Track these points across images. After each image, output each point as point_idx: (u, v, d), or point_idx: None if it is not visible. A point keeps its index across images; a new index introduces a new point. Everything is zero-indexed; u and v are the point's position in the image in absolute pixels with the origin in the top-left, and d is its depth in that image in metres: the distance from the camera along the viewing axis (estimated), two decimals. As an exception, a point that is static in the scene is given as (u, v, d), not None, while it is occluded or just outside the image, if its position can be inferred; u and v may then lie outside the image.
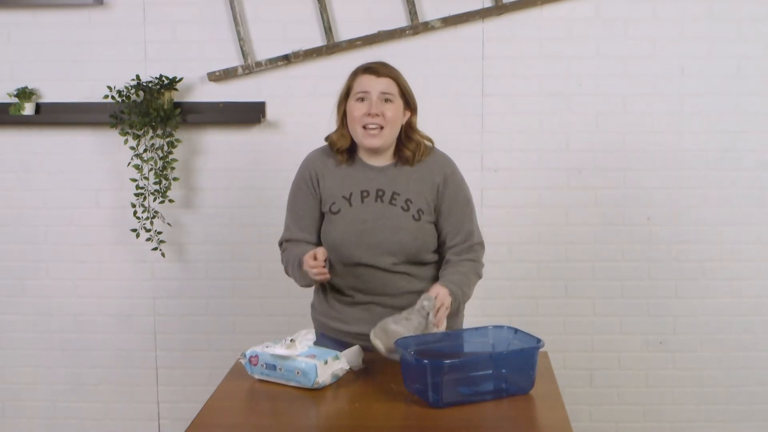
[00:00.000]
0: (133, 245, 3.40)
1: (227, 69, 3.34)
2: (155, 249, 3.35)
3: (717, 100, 3.32)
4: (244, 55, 3.31)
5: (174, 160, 3.29)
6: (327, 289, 2.36)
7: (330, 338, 2.34)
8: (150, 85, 3.26)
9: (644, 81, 3.32)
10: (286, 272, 2.37)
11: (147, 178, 3.30)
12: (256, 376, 2.08)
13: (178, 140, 3.29)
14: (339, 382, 2.05)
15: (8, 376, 3.52)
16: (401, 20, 3.31)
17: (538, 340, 1.99)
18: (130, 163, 3.30)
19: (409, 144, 2.30)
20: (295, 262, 2.26)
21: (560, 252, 3.40)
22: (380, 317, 2.17)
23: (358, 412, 1.89)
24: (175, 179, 3.32)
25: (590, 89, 3.33)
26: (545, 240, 3.40)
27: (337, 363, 2.04)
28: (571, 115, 3.35)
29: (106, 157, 3.41)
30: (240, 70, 3.33)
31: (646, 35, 3.31)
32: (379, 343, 2.05)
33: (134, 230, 3.33)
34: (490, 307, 3.37)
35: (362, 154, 2.32)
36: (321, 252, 2.15)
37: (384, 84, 2.25)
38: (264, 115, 3.36)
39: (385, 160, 2.31)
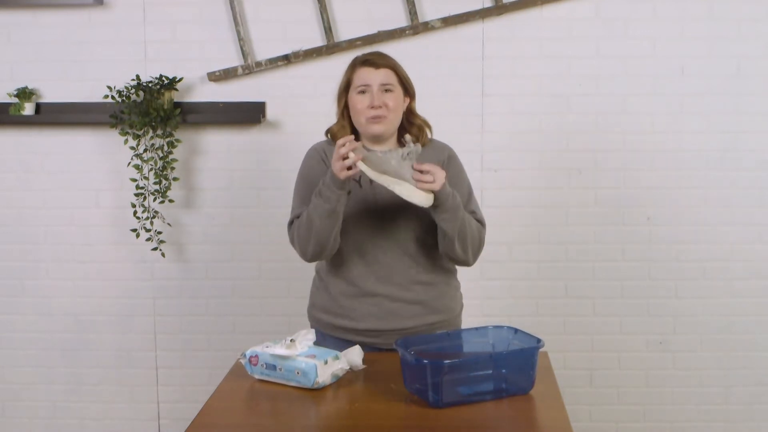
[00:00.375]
0: (133, 245, 3.40)
1: (227, 69, 3.34)
2: (155, 249, 3.35)
3: (717, 100, 3.32)
4: (244, 55, 3.31)
5: (174, 160, 3.29)
6: (331, 283, 2.35)
7: (331, 337, 2.35)
8: (150, 85, 3.26)
9: (644, 81, 3.32)
10: (299, 242, 2.27)
11: (147, 178, 3.31)
12: (256, 376, 2.08)
13: (178, 140, 3.29)
14: (339, 382, 2.05)
15: (8, 376, 3.53)
16: (401, 20, 3.31)
17: (538, 340, 1.99)
18: (130, 163, 3.30)
19: (411, 129, 2.37)
20: (314, 195, 2.21)
21: (560, 252, 3.40)
22: (389, 313, 2.25)
23: (358, 412, 1.89)
24: (175, 179, 3.32)
25: (590, 89, 3.33)
26: (545, 240, 3.40)
27: (337, 363, 2.04)
28: (571, 115, 3.35)
29: (106, 157, 3.41)
30: (240, 70, 3.33)
31: (646, 35, 3.31)
32: (365, 167, 2.11)
33: (134, 230, 3.33)
34: (490, 307, 3.37)
35: (365, 142, 2.34)
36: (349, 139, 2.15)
37: (383, 75, 2.30)
38: (264, 115, 3.36)
39: (388, 146, 2.34)
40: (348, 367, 2.08)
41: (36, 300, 3.49)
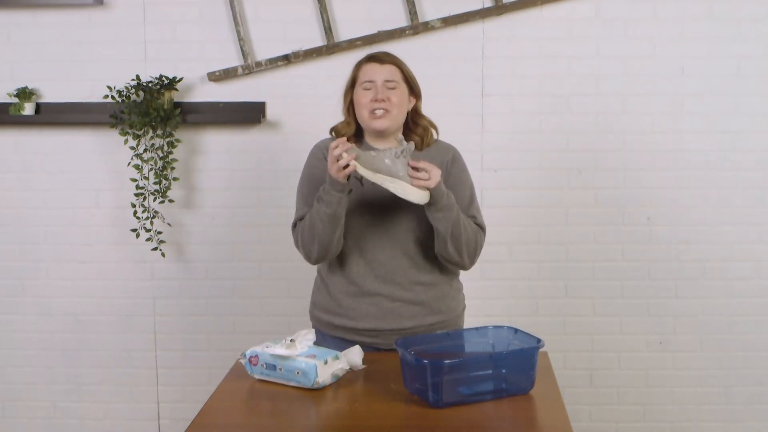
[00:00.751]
0: (133, 245, 3.40)
1: (227, 69, 3.34)
2: (155, 249, 3.35)
3: (717, 100, 3.33)
4: (244, 55, 3.31)
5: (174, 160, 3.29)
6: (331, 282, 2.36)
7: (331, 337, 2.35)
8: (150, 85, 3.26)
9: (644, 81, 3.32)
10: (304, 246, 2.29)
11: (147, 178, 3.31)
12: (256, 376, 2.08)
13: (178, 140, 3.29)
14: (339, 382, 2.05)
15: (8, 376, 3.53)
16: (401, 20, 3.31)
17: (538, 340, 1.99)
18: (130, 163, 3.30)
19: (416, 129, 2.37)
20: (316, 200, 2.23)
21: (560, 252, 3.40)
22: (388, 312, 2.25)
23: (358, 412, 1.89)
24: (175, 179, 3.32)
25: (590, 89, 3.33)
26: (545, 240, 3.40)
27: (337, 363, 2.04)
28: (571, 115, 3.35)
29: (106, 157, 3.41)
30: (240, 70, 3.33)
31: (646, 35, 3.31)
32: (359, 166, 2.12)
33: (134, 230, 3.33)
34: (490, 307, 3.37)
35: (369, 139, 2.35)
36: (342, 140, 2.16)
37: (388, 71, 2.31)
38: (264, 115, 3.36)
39: (391, 144, 2.33)
40: (348, 367, 2.08)
41: (36, 300, 3.49)
